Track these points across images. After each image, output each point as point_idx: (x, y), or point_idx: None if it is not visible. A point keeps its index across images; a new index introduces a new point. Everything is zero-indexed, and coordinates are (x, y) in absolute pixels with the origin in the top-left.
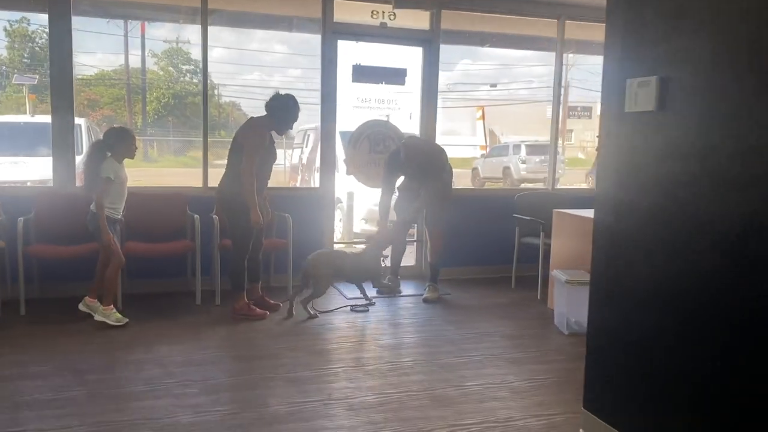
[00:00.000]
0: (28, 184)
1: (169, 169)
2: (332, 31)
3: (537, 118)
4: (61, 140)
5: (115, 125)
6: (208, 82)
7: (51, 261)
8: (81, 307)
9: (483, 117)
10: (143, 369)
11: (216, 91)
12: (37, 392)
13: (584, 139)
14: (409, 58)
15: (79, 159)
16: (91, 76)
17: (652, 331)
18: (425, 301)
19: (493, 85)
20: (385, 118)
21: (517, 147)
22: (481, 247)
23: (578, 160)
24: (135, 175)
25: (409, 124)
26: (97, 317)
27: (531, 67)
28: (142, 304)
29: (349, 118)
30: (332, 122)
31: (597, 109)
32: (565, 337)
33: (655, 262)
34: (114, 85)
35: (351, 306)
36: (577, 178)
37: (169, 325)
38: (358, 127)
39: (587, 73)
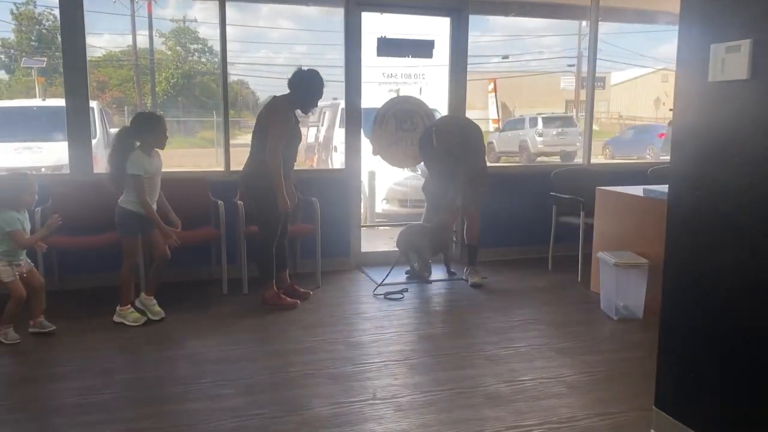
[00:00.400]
0: (43, 170)
1: (181, 150)
2: (356, 3)
3: (550, 90)
4: (77, 124)
5: (144, 111)
6: (216, 60)
7: (71, 252)
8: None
9: (495, 90)
10: (175, 368)
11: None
12: (65, 395)
13: (598, 110)
14: (436, 29)
15: (95, 142)
16: (99, 57)
17: (739, 329)
18: (473, 286)
19: (505, 57)
20: (395, 94)
21: (533, 120)
22: (514, 227)
23: (595, 131)
24: None
25: (434, 100)
26: (116, 317)
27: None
28: (166, 295)
29: (373, 95)
30: (357, 99)
31: (611, 79)
32: (615, 324)
33: (744, 250)
34: (122, 66)
35: (384, 294)
36: (594, 150)
37: (197, 317)
38: (384, 104)
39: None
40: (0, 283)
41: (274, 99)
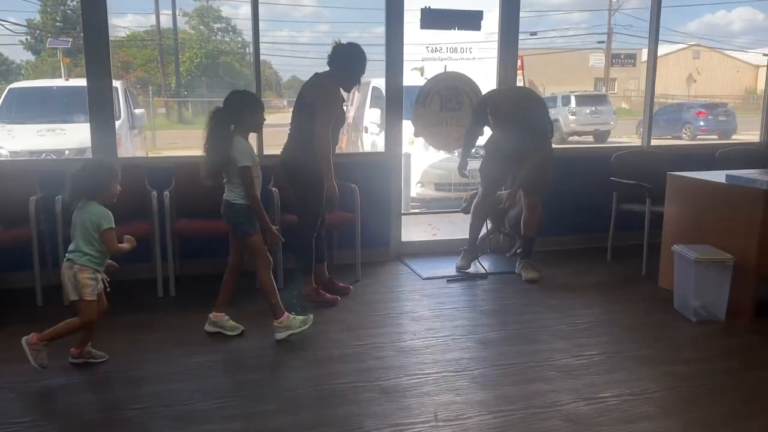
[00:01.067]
0: (66, 153)
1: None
2: None
3: (578, 67)
4: (99, 105)
5: (237, 89)
6: (240, 39)
7: None
8: (208, 327)
9: (522, 67)
10: (207, 377)
11: (248, 50)
12: (85, 411)
13: (628, 88)
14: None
15: (119, 123)
16: (123, 37)
17: None
18: (528, 281)
19: (533, 34)
20: (419, 73)
21: (566, 98)
22: (570, 215)
23: (624, 110)
24: (170, 137)
25: (481, 77)
26: (279, 334)
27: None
28: (196, 289)
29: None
30: (399, 76)
31: (642, 56)
32: (695, 326)
33: None
34: (146, 46)
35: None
36: (627, 130)
37: (230, 314)
38: (427, 82)
39: (632, 18)
40: (78, 300)
41: (318, 75)
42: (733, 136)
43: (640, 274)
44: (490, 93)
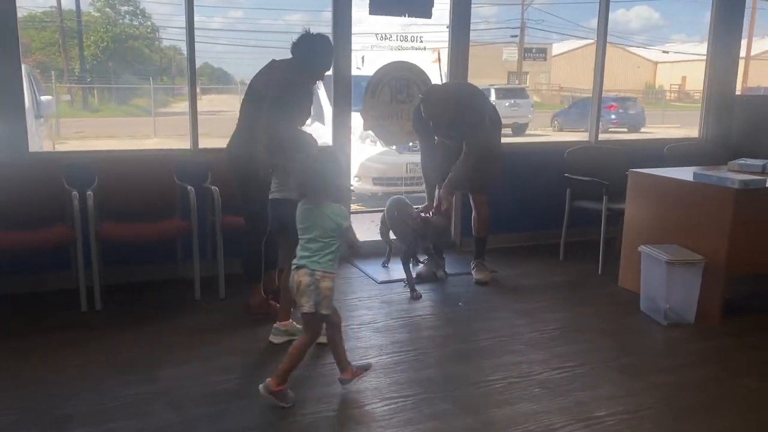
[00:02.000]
0: None
1: (113, 119)
2: None
3: (492, 61)
4: (7, 93)
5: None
6: (149, 24)
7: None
8: (276, 339)
9: (439, 60)
10: (148, 413)
11: (157, 34)
12: None
13: (539, 81)
14: None
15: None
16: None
17: None
18: (478, 282)
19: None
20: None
21: (485, 92)
22: (521, 211)
23: (538, 103)
24: (76, 126)
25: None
26: (276, 338)
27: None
28: (124, 301)
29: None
30: (347, 66)
31: (552, 50)
32: (667, 330)
33: None
34: (45, 28)
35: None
36: (542, 123)
37: (166, 333)
38: (377, 72)
39: (544, 14)
40: (312, 314)
41: (274, 62)
42: (642, 129)
43: (596, 273)
44: (420, 98)
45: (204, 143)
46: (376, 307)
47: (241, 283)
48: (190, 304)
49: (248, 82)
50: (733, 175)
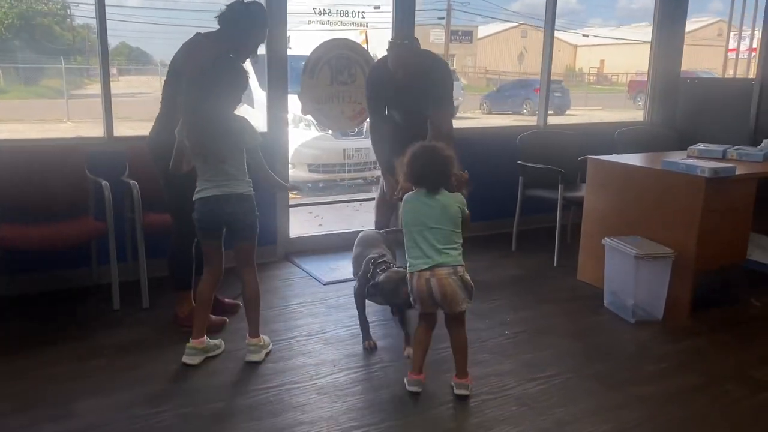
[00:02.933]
0: None
1: (22, 100)
2: None
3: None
4: None
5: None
6: (59, 0)
7: None
8: (192, 359)
9: (366, 41)
10: None
11: (68, 11)
12: None
13: (465, 64)
14: None
15: None
16: None
17: None
18: None
19: (377, 8)
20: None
21: None
22: (471, 200)
23: (465, 86)
24: None
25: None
26: (256, 355)
27: None
28: (27, 316)
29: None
30: (282, 45)
31: (478, 33)
32: (636, 329)
33: None
34: None
35: None
36: (471, 106)
37: (81, 354)
38: (315, 50)
39: None
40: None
41: (197, 35)
42: (567, 111)
43: (552, 265)
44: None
45: (123, 129)
46: (323, 314)
47: (166, 289)
48: (108, 316)
49: (168, 61)
50: (703, 162)
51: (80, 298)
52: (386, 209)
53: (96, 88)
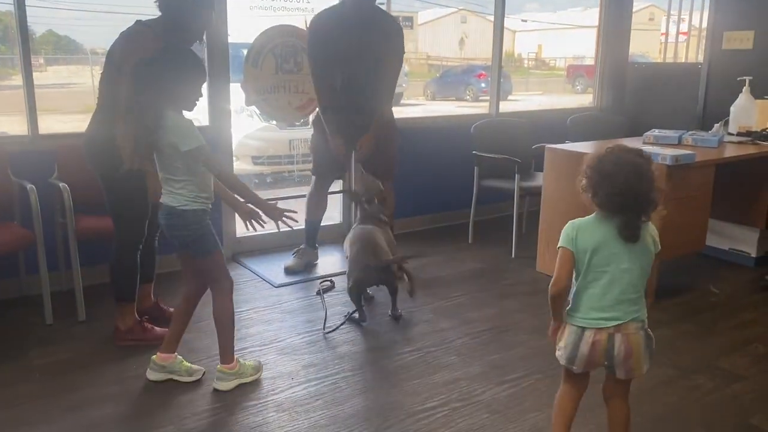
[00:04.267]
0: None
1: None
2: None
3: None
4: None
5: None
6: None
7: None
8: (153, 375)
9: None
10: None
11: None
12: None
13: (407, 50)
14: None
15: None
16: None
17: None
18: None
19: None
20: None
21: None
22: (422, 193)
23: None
24: None
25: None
26: (223, 383)
27: None
28: None
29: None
30: (223, 32)
31: (419, 19)
32: None
33: None
34: None
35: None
36: (415, 92)
37: (11, 376)
38: (258, 38)
39: None
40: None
41: (138, 25)
42: (509, 96)
43: (510, 257)
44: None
45: (52, 122)
46: (277, 320)
47: (104, 299)
48: (40, 331)
49: (100, 50)
50: (663, 150)
51: (7, 312)
52: (318, 204)
53: (16, 80)
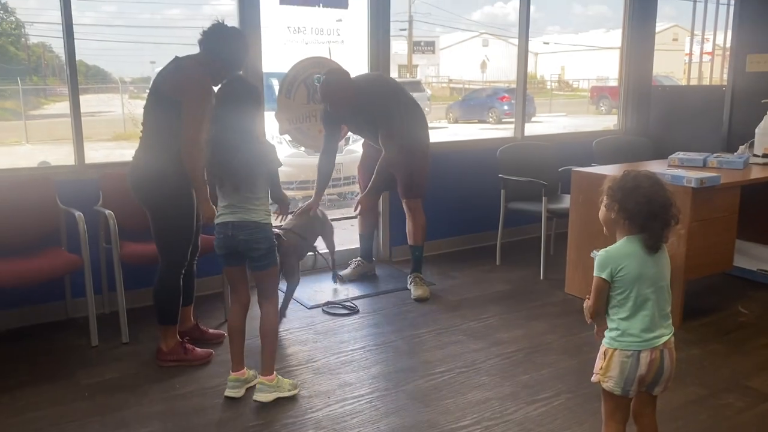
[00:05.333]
0: None
1: None
2: None
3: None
4: None
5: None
6: (13, 20)
7: None
8: (233, 393)
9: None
10: None
11: (23, 31)
12: None
13: (428, 74)
14: None
15: None
16: None
17: None
18: (417, 300)
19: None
20: (327, 54)
21: None
22: (450, 215)
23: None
24: None
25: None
26: (263, 395)
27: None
28: (0, 353)
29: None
30: (258, 63)
31: (440, 43)
32: None
33: None
34: None
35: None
36: (437, 115)
37: (58, 397)
38: (291, 69)
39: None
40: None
41: (181, 60)
42: (533, 118)
43: (538, 278)
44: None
45: (86, 149)
46: (311, 341)
47: (146, 321)
48: (86, 352)
49: (128, 79)
50: (688, 173)
51: (54, 335)
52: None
53: (54, 108)
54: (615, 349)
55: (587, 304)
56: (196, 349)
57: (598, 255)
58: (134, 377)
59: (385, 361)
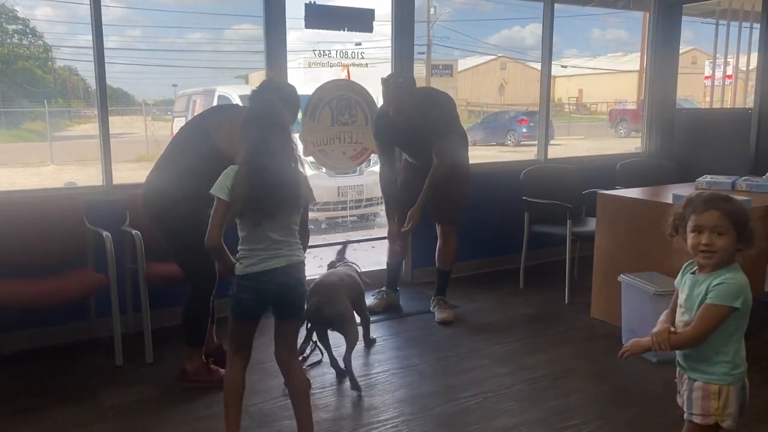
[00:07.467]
0: None
1: (4, 144)
2: None
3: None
4: None
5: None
6: (41, 43)
7: None
8: None
9: (348, 77)
10: None
11: (50, 54)
12: None
13: None
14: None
15: None
16: None
17: None
18: (441, 323)
19: (358, 44)
20: (344, 76)
21: None
22: (473, 237)
23: None
24: None
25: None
26: None
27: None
28: (20, 376)
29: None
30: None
31: (458, 67)
32: (659, 369)
33: None
34: None
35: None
36: None
37: (82, 418)
38: (315, 92)
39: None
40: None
41: (235, 109)
42: (551, 141)
43: (563, 302)
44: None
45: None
46: None
47: (170, 341)
48: (111, 372)
49: (151, 101)
50: None
51: (79, 354)
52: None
53: (79, 130)
54: (730, 384)
55: (689, 332)
56: (221, 370)
57: (727, 283)
58: (159, 398)
59: (409, 385)
